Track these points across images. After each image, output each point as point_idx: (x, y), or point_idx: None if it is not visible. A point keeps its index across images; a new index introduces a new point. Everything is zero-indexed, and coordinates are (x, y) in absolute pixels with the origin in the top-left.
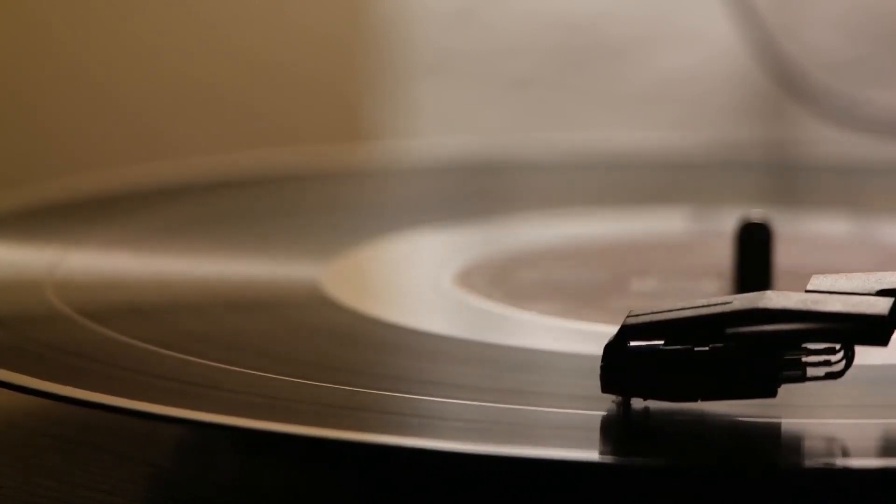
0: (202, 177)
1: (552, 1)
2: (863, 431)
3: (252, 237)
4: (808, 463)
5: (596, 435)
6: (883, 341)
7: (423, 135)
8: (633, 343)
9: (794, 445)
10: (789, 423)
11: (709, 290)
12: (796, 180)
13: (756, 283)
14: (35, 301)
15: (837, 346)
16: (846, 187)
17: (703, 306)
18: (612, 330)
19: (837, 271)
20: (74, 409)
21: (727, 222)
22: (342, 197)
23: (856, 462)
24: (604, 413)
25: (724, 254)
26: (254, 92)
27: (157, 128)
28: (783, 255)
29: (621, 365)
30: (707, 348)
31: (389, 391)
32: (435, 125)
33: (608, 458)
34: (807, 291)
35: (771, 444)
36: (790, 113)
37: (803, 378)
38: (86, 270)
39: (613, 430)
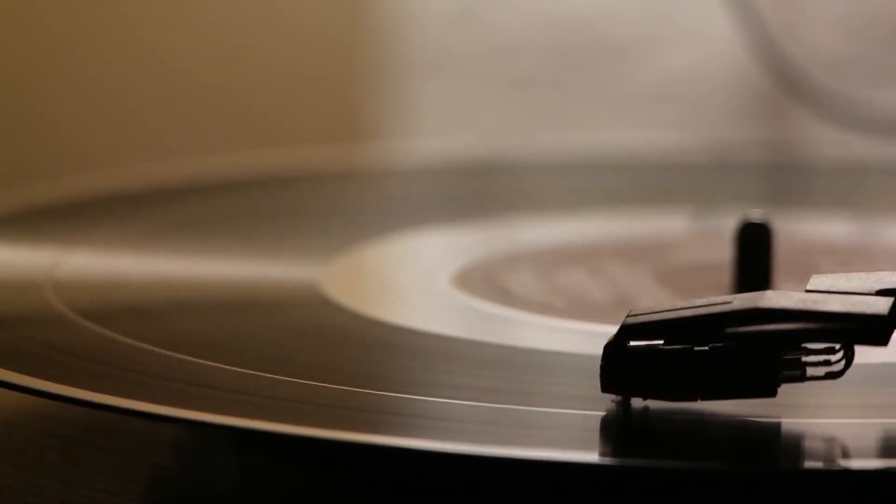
0: (202, 177)
1: (552, 1)
2: (863, 431)
3: (252, 237)
4: (808, 463)
5: (596, 435)
6: (883, 341)
7: (423, 135)
8: (632, 343)
9: (794, 445)
10: (789, 423)
11: (709, 290)
12: (796, 180)
13: (756, 283)
14: (35, 301)
15: (837, 346)
16: (846, 187)
17: (702, 306)
18: (611, 330)
19: (837, 271)
20: (74, 409)
21: (727, 222)
22: (342, 197)
23: (856, 462)
24: (603, 413)
25: (724, 254)
26: (254, 92)
27: (157, 128)
28: (783, 255)
29: (621, 365)
30: (707, 348)
31: (389, 391)
32: (435, 125)
33: (608, 459)
34: (807, 291)
35: (771, 444)
36: (790, 113)
37: (803, 378)
38: (86, 270)
39: (613, 430)
